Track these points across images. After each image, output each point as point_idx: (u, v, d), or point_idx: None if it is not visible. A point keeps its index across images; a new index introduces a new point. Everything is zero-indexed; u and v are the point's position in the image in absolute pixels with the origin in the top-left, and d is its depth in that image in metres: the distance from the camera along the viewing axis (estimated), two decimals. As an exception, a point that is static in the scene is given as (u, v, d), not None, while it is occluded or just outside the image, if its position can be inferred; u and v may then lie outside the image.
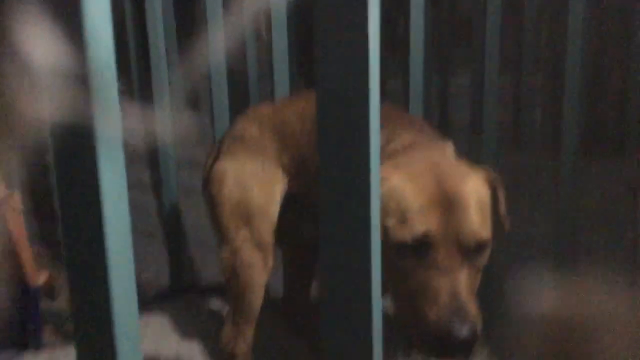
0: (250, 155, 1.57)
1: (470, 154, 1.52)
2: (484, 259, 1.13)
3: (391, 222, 1.09)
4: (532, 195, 2.13)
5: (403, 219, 1.08)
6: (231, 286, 1.57)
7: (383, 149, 1.32)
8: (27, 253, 1.98)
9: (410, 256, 1.08)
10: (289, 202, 1.60)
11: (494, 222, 1.17)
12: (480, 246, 1.10)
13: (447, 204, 1.09)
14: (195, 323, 1.84)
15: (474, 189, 1.14)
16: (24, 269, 1.99)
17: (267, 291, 1.63)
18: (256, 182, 1.54)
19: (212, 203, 1.58)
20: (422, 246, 1.07)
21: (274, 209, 1.55)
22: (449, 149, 1.34)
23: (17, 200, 1.94)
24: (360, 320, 0.60)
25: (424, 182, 1.11)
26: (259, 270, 1.55)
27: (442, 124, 2.42)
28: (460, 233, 1.07)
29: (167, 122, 2.17)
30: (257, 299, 1.57)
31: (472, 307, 1.05)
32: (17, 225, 1.95)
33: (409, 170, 1.14)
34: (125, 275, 0.57)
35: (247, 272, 1.54)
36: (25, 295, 2.03)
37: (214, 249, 2.52)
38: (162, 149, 2.19)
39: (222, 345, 1.60)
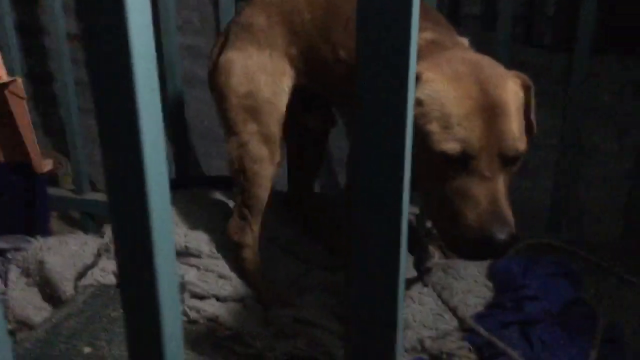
0: (258, 46, 1.52)
1: (482, 50, 1.48)
2: (517, 166, 1.13)
3: (434, 127, 1.07)
4: (542, 92, 2.10)
5: (446, 125, 1.06)
6: (238, 179, 1.57)
7: None
8: (32, 140, 1.97)
9: (451, 162, 1.07)
10: (296, 95, 1.57)
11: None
12: (518, 155, 1.10)
13: (490, 111, 1.06)
14: (201, 214, 1.87)
15: (514, 94, 1.11)
16: (30, 156, 1.99)
17: (273, 184, 1.64)
18: (264, 74, 1.51)
19: (218, 95, 1.55)
20: (464, 154, 1.06)
21: (282, 102, 1.53)
22: (465, 44, 1.31)
23: (20, 87, 1.90)
24: (389, 215, 0.60)
25: (467, 86, 1.08)
26: (267, 163, 1.55)
27: (452, 17, 2.33)
28: (502, 143, 1.06)
29: (170, 7, 2.09)
30: (264, 191, 1.58)
31: (508, 212, 1.07)
32: (21, 112, 1.93)
33: (452, 73, 1.10)
34: (159, 161, 0.60)
35: (255, 166, 1.54)
36: (32, 182, 2.04)
37: (217, 141, 2.53)
38: (164, 36, 2.12)
39: (229, 236, 1.63)
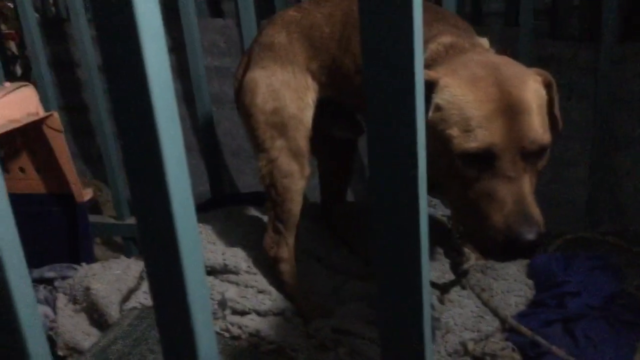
0: (280, 64, 1.55)
1: (503, 44, 1.48)
2: (544, 161, 1.12)
3: (455, 131, 1.08)
4: (570, 87, 2.07)
5: (467, 128, 1.07)
6: (270, 194, 1.60)
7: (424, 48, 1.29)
8: (72, 171, 2.04)
9: (474, 165, 1.07)
10: (320, 108, 1.59)
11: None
12: (542, 150, 1.09)
13: (510, 110, 1.06)
14: (238, 231, 1.90)
15: (534, 92, 1.11)
16: (70, 186, 2.05)
17: (305, 197, 1.66)
18: (288, 91, 1.53)
19: (246, 114, 1.58)
20: (486, 155, 1.06)
21: (308, 116, 1.55)
22: (485, 44, 1.31)
23: (56, 121, 1.97)
24: (408, 221, 0.61)
25: (486, 88, 1.08)
26: (297, 178, 1.57)
27: (475, 14, 2.33)
28: (524, 140, 1.06)
29: (194, 30, 2.14)
30: (296, 205, 1.60)
31: (535, 210, 1.06)
32: (60, 144, 1.99)
33: (469, 76, 1.10)
34: (183, 183, 0.61)
35: (285, 181, 1.56)
36: (74, 212, 2.11)
37: (249, 158, 2.56)
38: (191, 59, 2.17)
39: (266, 251, 1.66)
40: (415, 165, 0.60)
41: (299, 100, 1.54)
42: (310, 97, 1.55)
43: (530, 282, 1.65)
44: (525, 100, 1.08)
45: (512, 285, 1.63)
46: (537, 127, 1.08)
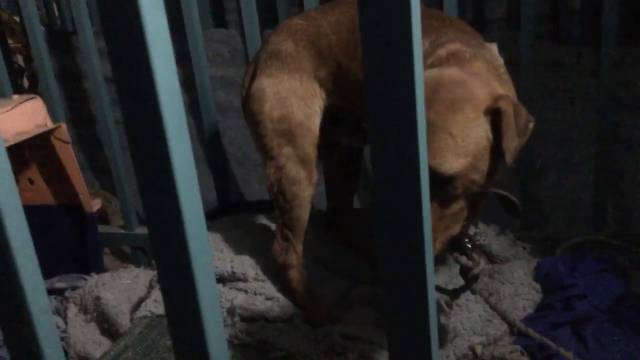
0: (287, 72, 1.57)
1: (506, 49, 1.49)
2: (456, 190, 1.13)
3: None
4: (571, 89, 2.08)
5: None
6: (278, 202, 1.61)
7: (429, 54, 1.30)
8: (80, 182, 2.06)
9: None
10: (327, 115, 1.61)
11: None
12: (446, 180, 1.10)
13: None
14: (245, 239, 1.91)
15: (463, 121, 1.10)
16: (79, 197, 2.07)
17: (313, 203, 1.67)
18: (295, 98, 1.55)
19: (253, 122, 1.60)
20: None
21: (315, 124, 1.57)
22: (494, 50, 1.32)
23: (64, 132, 1.99)
24: (412, 223, 0.62)
25: None
26: (305, 185, 1.58)
27: (477, 17, 2.34)
28: (430, 161, 1.05)
29: (199, 41, 2.16)
30: (304, 212, 1.61)
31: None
32: (68, 156, 2.02)
33: None
34: (192, 191, 0.63)
35: (293, 188, 1.57)
36: (83, 222, 2.13)
37: (255, 166, 2.58)
38: (196, 69, 2.19)
39: (274, 258, 1.67)
40: (417, 174, 0.62)
41: (306, 108, 1.55)
42: (317, 105, 1.57)
43: (537, 285, 1.66)
44: (439, 125, 1.09)
45: (519, 288, 1.64)
46: (440, 155, 1.09)
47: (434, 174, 1.07)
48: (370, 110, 0.60)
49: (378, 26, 0.58)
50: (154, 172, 0.65)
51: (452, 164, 1.11)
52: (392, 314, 0.66)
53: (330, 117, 1.62)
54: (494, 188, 1.29)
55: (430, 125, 1.08)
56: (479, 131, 1.13)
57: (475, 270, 1.61)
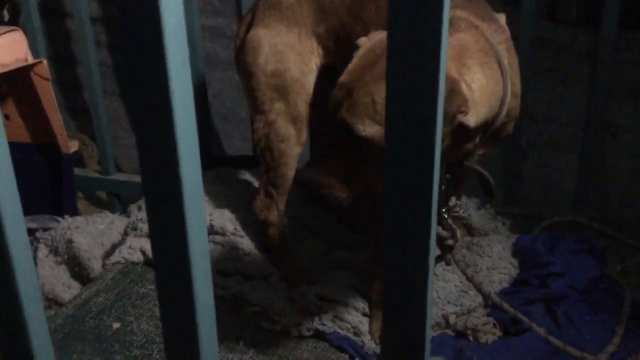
0: (285, 24, 1.52)
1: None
2: (370, 151, 1.14)
3: None
4: (566, 69, 2.08)
5: None
6: (265, 158, 1.58)
7: None
8: (58, 121, 2.00)
9: None
10: (322, 76, 1.57)
11: None
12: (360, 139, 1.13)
13: None
14: (225, 193, 1.88)
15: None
16: (56, 137, 2.01)
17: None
18: (292, 53, 1.51)
19: (246, 73, 1.55)
20: None
21: (310, 82, 1.53)
22: (501, 21, 1.29)
23: (45, 69, 1.92)
24: (422, 189, 0.61)
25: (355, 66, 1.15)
26: (293, 143, 1.55)
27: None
28: None
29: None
30: (290, 170, 1.59)
31: None
32: (47, 93, 1.95)
33: (364, 52, 1.15)
34: (191, 139, 0.64)
35: (281, 145, 1.55)
36: (58, 163, 2.07)
37: (238, 121, 2.54)
38: (187, 17, 2.12)
39: (255, 214, 1.65)
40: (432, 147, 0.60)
41: (302, 64, 1.51)
42: (314, 62, 1.53)
43: (515, 260, 1.67)
44: (369, 88, 1.09)
45: (497, 262, 1.65)
46: (357, 115, 1.10)
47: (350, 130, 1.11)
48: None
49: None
50: (154, 114, 0.63)
51: (367, 128, 1.10)
52: (390, 278, 0.65)
53: (325, 77, 1.58)
54: (474, 164, 1.28)
55: (363, 83, 1.09)
56: None
57: (450, 241, 1.61)
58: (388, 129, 0.61)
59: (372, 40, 1.16)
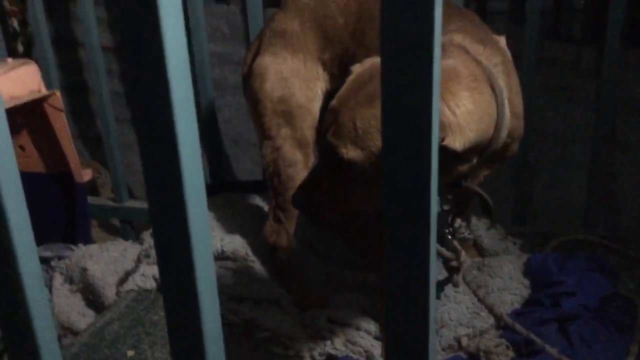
0: (291, 51, 1.55)
1: (508, 44, 1.47)
2: (350, 173, 1.15)
3: None
4: (572, 87, 2.08)
5: None
6: (273, 183, 1.60)
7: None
8: (72, 151, 2.03)
9: None
10: (329, 100, 1.59)
11: None
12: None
13: None
14: (236, 219, 1.90)
15: (372, 115, 1.10)
16: (70, 166, 2.04)
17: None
18: (298, 80, 1.53)
19: (253, 100, 1.58)
20: None
21: (316, 107, 1.55)
22: (502, 43, 1.30)
23: (58, 100, 1.96)
24: (419, 212, 0.62)
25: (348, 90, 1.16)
26: (300, 167, 1.57)
27: (479, 13, 2.33)
28: None
29: (200, 15, 2.13)
30: (298, 195, 1.60)
31: None
32: (61, 124, 1.98)
33: (354, 77, 1.17)
34: (195, 167, 0.63)
35: (289, 170, 1.56)
36: (72, 192, 2.10)
37: (248, 146, 2.56)
38: (195, 44, 2.16)
39: (265, 238, 1.66)
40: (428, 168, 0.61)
41: (308, 90, 1.54)
42: (319, 88, 1.55)
43: (526, 280, 1.66)
44: (352, 113, 1.10)
45: (508, 283, 1.64)
46: (340, 139, 1.11)
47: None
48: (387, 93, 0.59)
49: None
50: (159, 142, 0.64)
51: (349, 152, 1.11)
52: (392, 302, 0.66)
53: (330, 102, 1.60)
54: (474, 186, 1.28)
55: (348, 109, 1.10)
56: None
57: (454, 263, 1.60)
58: (385, 153, 0.63)
59: (364, 66, 1.18)
